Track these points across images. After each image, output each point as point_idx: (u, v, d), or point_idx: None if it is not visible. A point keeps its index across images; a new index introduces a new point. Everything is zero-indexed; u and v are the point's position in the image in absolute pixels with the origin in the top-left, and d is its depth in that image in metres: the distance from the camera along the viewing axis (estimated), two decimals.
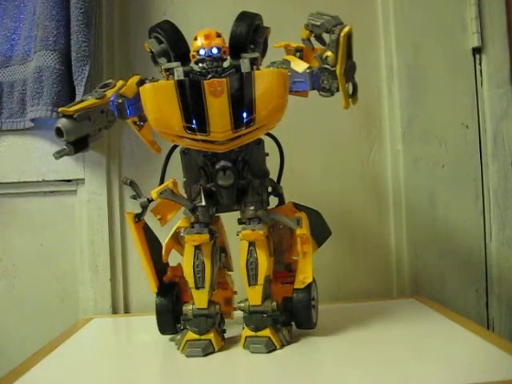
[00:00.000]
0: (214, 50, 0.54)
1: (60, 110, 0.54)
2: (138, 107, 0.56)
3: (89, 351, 0.63)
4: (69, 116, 0.53)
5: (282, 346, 0.57)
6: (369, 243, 0.87)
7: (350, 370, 0.50)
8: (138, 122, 0.59)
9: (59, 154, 0.54)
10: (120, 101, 0.56)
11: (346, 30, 0.54)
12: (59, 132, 0.53)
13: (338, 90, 0.55)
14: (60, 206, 0.86)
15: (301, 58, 0.58)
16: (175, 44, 0.56)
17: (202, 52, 0.54)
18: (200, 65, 0.55)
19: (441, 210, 0.87)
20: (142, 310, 0.83)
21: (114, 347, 0.68)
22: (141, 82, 0.57)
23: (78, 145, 0.55)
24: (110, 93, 0.57)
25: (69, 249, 0.86)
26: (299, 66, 0.57)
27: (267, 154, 0.60)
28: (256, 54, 0.55)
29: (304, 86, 0.57)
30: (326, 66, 0.55)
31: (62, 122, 0.53)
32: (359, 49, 0.87)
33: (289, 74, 0.56)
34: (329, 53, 0.55)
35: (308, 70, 0.56)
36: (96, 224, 0.84)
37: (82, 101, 0.55)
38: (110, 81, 0.59)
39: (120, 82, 0.58)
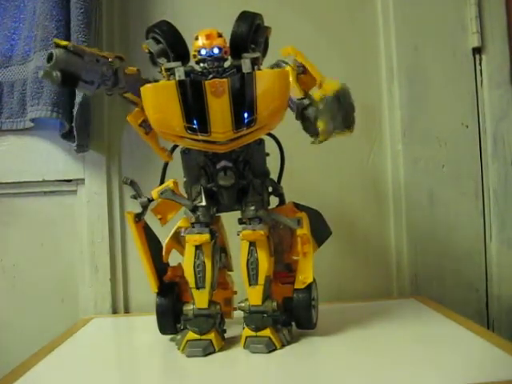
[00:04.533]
0: (216, 50, 0.54)
1: (55, 39, 0.52)
2: (134, 86, 0.56)
3: (89, 351, 0.63)
4: (63, 47, 0.51)
5: (283, 346, 0.57)
6: (369, 243, 0.87)
7: (350, 370, 0.50)
8: (143, 124, 0.59)
9: (46, 76, 0.51)
10: (116, 66, 0.55)
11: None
12: (50, 57, 0.51)
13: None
14: (60, 206, 0.86)
15: (304, 72, 0.57)
16: (174, 44, 0.56)
17: (203, 52, 0.54)
18: (201, 65, 0.55)
19: (441, 209, 0.87)
20: (142, 310, 0.83)
21: (113, 347, 0.68)
22: (143, 81, 0.56)
23: (67, 79, 0.52)
24: (107, 53, 0.56)
25: (69, 249, 0.86)
26: (295, 91, 0.57)
27: (268, 154, 0.60)
28: (257, 54, 0.55)
29: (293, 109, 0.58)
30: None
31: (57, 50, 0.51)
32: (359, 49, 0.88)
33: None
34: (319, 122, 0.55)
35: (298, 102, 0.57)
36: (96, 224, 0.84)
37: None
38: None
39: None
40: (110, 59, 0.55)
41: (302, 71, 0.57)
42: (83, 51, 0.52)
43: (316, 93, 0.56)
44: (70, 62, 0.51)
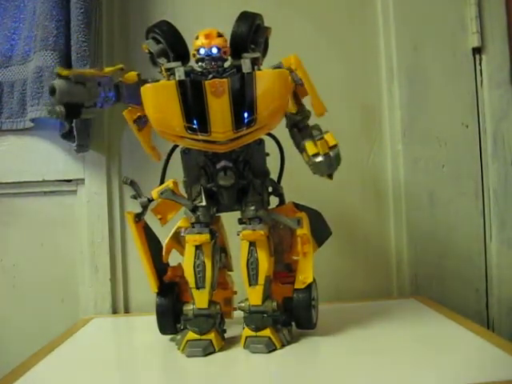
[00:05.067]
0: (214, 50, 0.54)
1: (56, 70, 0.52)
2: (136, 97, 0.56)
3: (89, 351, 0.63)
4: (65, 77, 0.52)
5: (283, 345, 0.57)
6: (369, 243, 0.87)
7: (350, 370, 0.50)
8: (137, 121, 0.59)
9: (51, 113, 0.53)
10: (118, 80, 0.55)
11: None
12: (53, 90, 0.51)
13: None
14: (60, 206, 0.86)
15: (301, 85, 0.57)
16: (174, 44, 0.56)
17: (201, 51, 0.54)
18: (199, 64, 0.55)
19: (441, 209, 0.87)
20: (142, 310, 0.83)
21: (113, 347, 0.68)
22: (142, 82, 0.57)
23: (71, 111, 0.53)
24: (108, 69, 0.55)
25: (69, 249, 0.86)
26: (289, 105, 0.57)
27: (268, 154, 0.60)
28: (257, 54, 0.55)
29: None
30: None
31: (58, 81, 0.51)
32: (359, 49, 0.88)
33: None
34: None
35: (289, 115, 0.58)
36: (96, 224, 0.84)
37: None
38: None
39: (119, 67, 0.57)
40: (110, 75, 0.55)
41: (300, 83, 0.57)
42: (84, 77, 0.53)
43: (308, 143, 0.56)
44: (72, 93, 0.52)
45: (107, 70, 0.56)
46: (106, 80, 0.55)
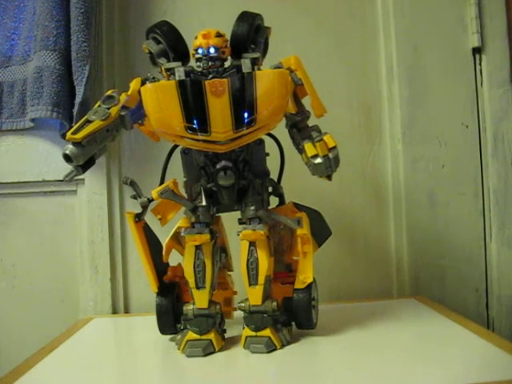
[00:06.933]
0: (211, 50, 0.54)
1: (68, 138, 0.53)
2: (140, 114, 0.56)
3: (89, 351, 0.63)
4: (76, 144, 0.53)
5: (283, 345, 0.57)
6: (369, 243, 0.87)
7: (350, 370, 0.50)
8: (140, 122, 0.59)
9: (69, 177, 0.56)
10: (123, 113, 0.55)
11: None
12: (68, 158, 0.53)
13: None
14: (60, 206, 0.86)
15: (301, 85, 0.57)
16: (174, 44, 0.57)
17: (200, 51, 0.55)
18: (197, 63, 0.55)
19: (441, 209, 0.87)
20: (142, 310, 0.83)
21: (113, 347, 0.68)
22: (142, 83, 0.56)
23: (87, 165, 0.56)
24: (114, 111, 0.55)
25: (69, 249, 0.86)
26: (288, 106, 0.57)
27: (268, 154, 0.60)
28: (257, 54, 0.55)
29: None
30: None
31: (70, 149, 0.53)
32: (359, 49, 0.88)
33: None
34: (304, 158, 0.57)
35: (289, 115, 0.57)
36: (96, 224, 0.84)
37: (87, 121, 0.54)
38: (113, 93, 0.56)
39: (123, 96, 0.56)
40: (118, 113, 0.55)
41: (299, 84, 0.57)
42: (94, 135, 0.53)
43: (308, 145, 0.56)
44: (86, 153, 0.54)
45: (113, 111, 0.54)
46: (113, 124, 0.55)
